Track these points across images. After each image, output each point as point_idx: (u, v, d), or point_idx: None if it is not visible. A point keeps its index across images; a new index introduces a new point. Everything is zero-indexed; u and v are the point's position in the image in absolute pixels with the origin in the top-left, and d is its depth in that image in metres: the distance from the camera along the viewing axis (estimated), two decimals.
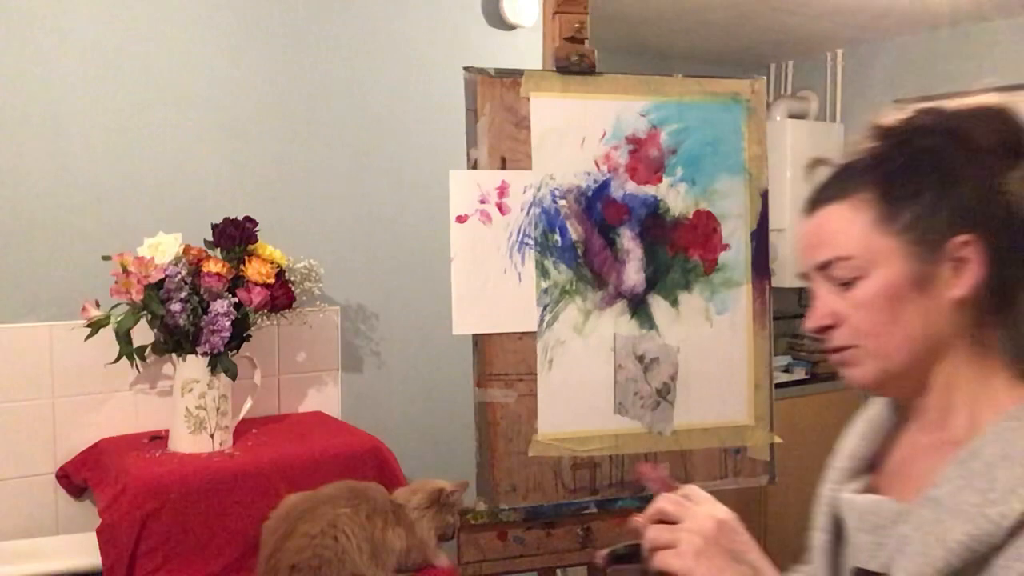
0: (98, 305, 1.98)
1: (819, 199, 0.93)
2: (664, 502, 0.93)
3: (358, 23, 2.47)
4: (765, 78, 2.24)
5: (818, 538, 0.98)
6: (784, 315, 4.13)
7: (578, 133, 2.03)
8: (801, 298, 4.24)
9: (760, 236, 2.11)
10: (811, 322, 0.92)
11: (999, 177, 0.85)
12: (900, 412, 0.97)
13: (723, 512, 0.93)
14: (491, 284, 1.98)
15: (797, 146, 3.93)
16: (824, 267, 0.91)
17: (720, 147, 2.08)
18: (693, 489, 0.95)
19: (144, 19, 2.18)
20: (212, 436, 1.99)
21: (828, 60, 4.11)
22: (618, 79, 2.07)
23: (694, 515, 0.91)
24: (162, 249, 1.94)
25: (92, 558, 1.80)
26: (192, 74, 2.25)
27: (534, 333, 1.99)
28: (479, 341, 1.99)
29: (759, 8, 3.33)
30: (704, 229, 2.05)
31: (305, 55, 2.40)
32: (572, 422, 1.99)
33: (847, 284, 0.89)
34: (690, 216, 2.03)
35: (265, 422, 2.25)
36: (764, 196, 2.12)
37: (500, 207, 1.99)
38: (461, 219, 1.98)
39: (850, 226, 0.88)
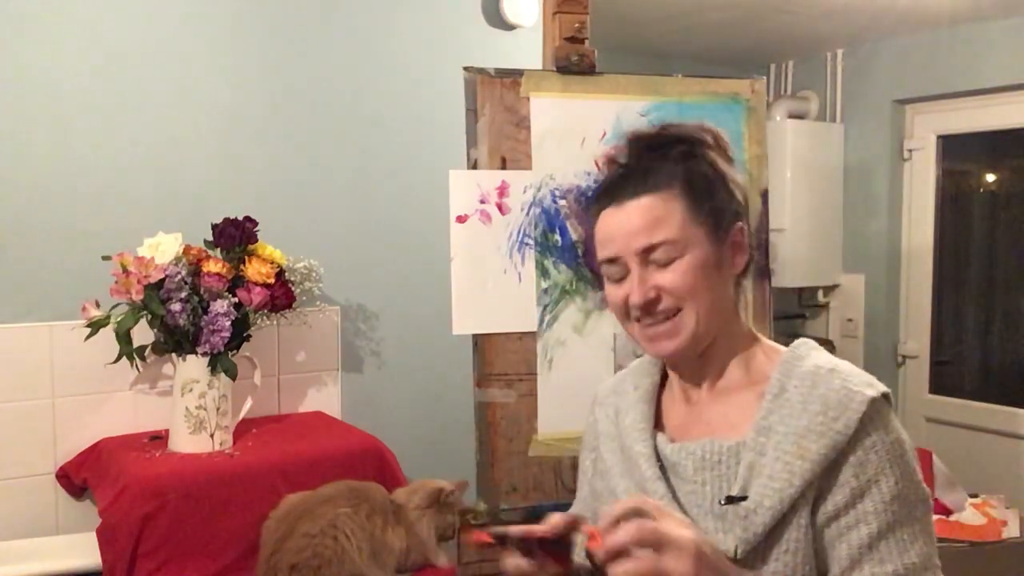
0: (98, 305, 1.97)
1: (627, 193, 1.08)
2: (636, 530, 0.89)
3: (358, 23, 2.47)
4: (765, 78, 2.24)
5: (660, 487, 1.08)
6: (784, 315, 4.14)
7: (578, 133, 2.03)
8: (801, 298, 4.24)
9: (760, 236, 2.11)
10: (637, 297, 1.07)
11: (737, 177, 1.12)
12: (657, 382, 1.19)
13: (689, 525, 0.94)
14: (491, 284, 1.98)
15: (797, 146, 3.93)
16: (649, 249, 1.07)
17: None
18: (657, 507, 0.94)
19: (144, 19, 2.18)
20: (212, 436, 1.99)
21: (828, 60, 4.11)
22: (618, 79, 2.07)
23: (675, 541, 0.89)
24: (162, 249, 1.94)
25: (92, 558, 1.80)
26: (192, 74, 2.24)
27: (534, 333, 1.99)
28: (479, 341, 1.99)
29: (759, 8, 3.33)
30: None
31: (305, 55, 2.40)
32: (572, 422, 1.99)
33: (666, 263, 1.06)
34: None
35: (265, 422, 2.25)
36: (764, 196, 2.12)
37: (500, 207, 1.99)
38: (461, 219, 1.98)
39: (670, 215, 1.06)
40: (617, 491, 1.14)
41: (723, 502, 1.02)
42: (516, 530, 1.01)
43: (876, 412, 1.00)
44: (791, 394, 1.04)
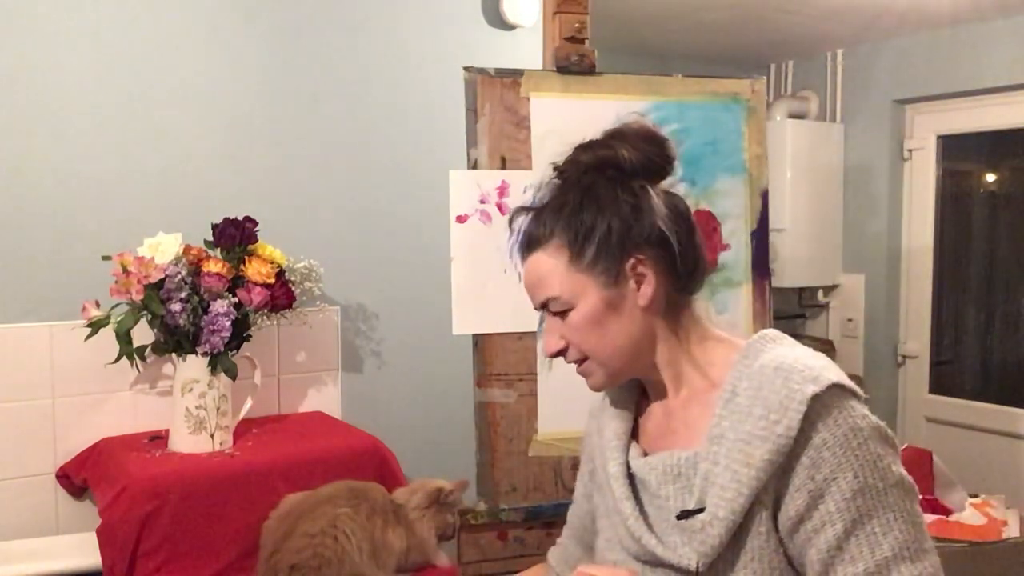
0: (98, 305, 1.97)
1: (528, 245, 1.11)
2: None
3: (358, 22, 2.47)
4: (765, 78, 2.24)
5: (627, 506, 1.08)
6: (784, 315, 4.14)
7: (578, 133, 2.03)
8: (801, 298, 4.24)
9: (760, 236, 2.11)
10: (547, 348, 1.11)
11: (645, 196, 1.06)
12: (637, 390, 1.17)
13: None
14: (491, 284, 1.98)
15: (797, 146, 3.93)
16: (544, 304, 1.10)
17: (720, 147, 2.08)
18: (609, 572, 1.00)
19: (144, 18, 2.18)
20: (212, 436, 1.99)
21: (828, 60, 4.11)
22: (618, 79, 2.07)
23: None
24: (162, 249, 1.94)
25: (92, 558, 1.80)
26: (192, 73, 2.24)
27: (534, 333, 1.99)
28: (479, 341, 1.99)
29: (759, 8, 3.33)
30: (704, 229, 2.04)
31: (305, 55, 2.40)
32: (572, 422, 1.99)
33: (563, 314, 1.08)
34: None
35: (265, 422, 2.25)
36: (764, 196, 2.12)
37: (500, 207, 1.99)
38: (461, 219, 1.98)
39: (553, 271, 1.07)
40: (608, 507, 1.15)
41: (678, 516, 1.01)
42: None
43: (823, 407, 0.95)
44: (741, 398, 1.00)
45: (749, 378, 1.01)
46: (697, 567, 0.98)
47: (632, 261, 1.05)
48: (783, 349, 1.04)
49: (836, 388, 0.96)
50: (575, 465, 2.01)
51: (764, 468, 0.95)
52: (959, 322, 4.03)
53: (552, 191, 1.12)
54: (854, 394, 0.98)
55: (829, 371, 0.98)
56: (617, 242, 1.05)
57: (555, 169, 1.12)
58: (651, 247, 1.06)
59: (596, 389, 1.13)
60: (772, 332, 1.08)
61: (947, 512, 2.48)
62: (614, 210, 1.06)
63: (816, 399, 0.95)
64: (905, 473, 0.97)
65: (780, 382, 0.97)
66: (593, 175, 1.08)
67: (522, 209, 1.13)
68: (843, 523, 0.93)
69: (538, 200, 1.12)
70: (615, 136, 1.09)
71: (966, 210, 4.03)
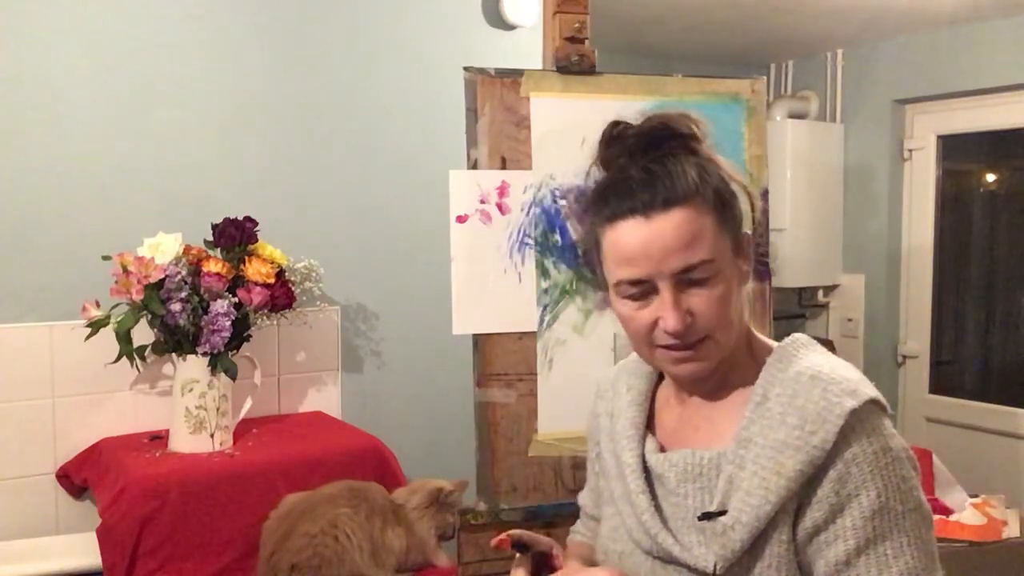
0: (98, 305, 1.97)
1: (654, 204, 0.96)
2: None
3: (358, 23, 2.47)
4: (765, 78, 2.24)
5: (643, 500, 1.04)
6: (784, 315, 4.14)
7: (578, 133, 2.03)
8: (801, 298, 4.24)
9: (760, 236, 2.11)
10: (677, 323, 0.96)
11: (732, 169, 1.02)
12: (654, 380, 1.13)
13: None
14: (491, 284, 1.98)
15: (797, 146, 3.93)
16: (687, 270, 0.96)
17: (720, 147, 2.07)
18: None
19: (144, 18, 2.18)
20: (212, 436, 1.99)
21: (828, 60, 4.11)
22: (618, 79, 2.07)
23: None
24: (162, 249, 1.94)
25: (92, 558, 1.80)
26: (192, 74, 2.25)
27: (534, 333, 1.99)
28: (479, 341, 1.99)
29: (759, 8, 3.33)
30: None
31: (306, 55, 2.40)
32: (572, 422, 1.99)
33: (700, 283, 0.96)
34: None
35: (265, 422, 2.25)
36: (764, 196, 2.12)
37: (500, 207, 2.00)
38: (461, 219, 1.98)
39: (704, 231, 0.96)
40: (615, 495, 1.12)
41: (700, 517, 0.99)
42: (542, 544, 1.08)
43: (859, 422, 0.94)
44: (772, 403, 0.98)
45: (782, 384, 0.98)
46: (714, 569, 0.97)
47: (745, 233, 1.01)
48: (817, 357, 1.01)
49: (872, 404, 0.95)
50: (575, 465, 2.01)
51: (795, 478, 0.93)
52: (959, 322, 4.03)
53: (659, 140, 1.00)
54: (885, 411, 0.97)
55: (866, 385, 0.97)
56: (739, 211, 1.00)
57: (649, 121, 1.01)
58: (747, 227, 1.03)
59: (700, 376, 1.02)
60: (803, 337, 1.05)
61: (947, 512, 2.48)
62: (727, 179, 1.01)
63: (854, 414, 0.93)
64: (925, 499, 0.96)
65: (818, 392, 0.95)
66: (691, 144, 1.01)
67: (639, 139, 1.00)
68: (856, 540, 0.93)
69: (632, 143, 1.01)
70: (656, 119, 1.03)
71: (966, 210, 4.03)
